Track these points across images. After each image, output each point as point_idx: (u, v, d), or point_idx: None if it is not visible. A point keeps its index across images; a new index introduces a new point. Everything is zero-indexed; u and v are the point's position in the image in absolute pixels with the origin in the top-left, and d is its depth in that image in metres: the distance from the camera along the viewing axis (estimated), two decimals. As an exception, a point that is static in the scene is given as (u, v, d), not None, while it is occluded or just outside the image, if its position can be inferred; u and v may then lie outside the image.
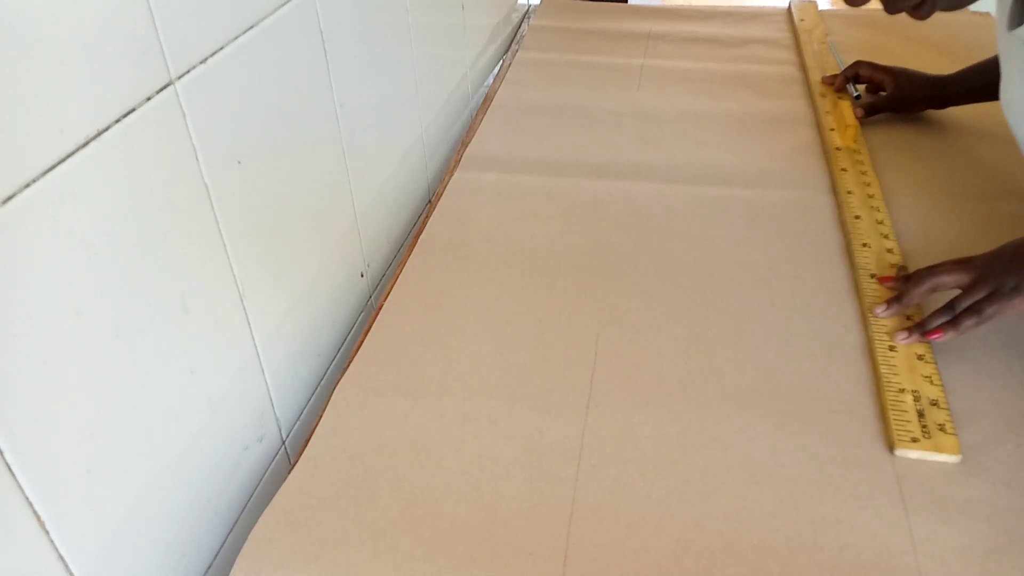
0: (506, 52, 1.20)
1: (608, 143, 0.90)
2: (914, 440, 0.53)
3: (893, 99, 0.92)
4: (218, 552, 0.53)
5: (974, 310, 0.59)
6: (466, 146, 0.90)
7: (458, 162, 0.87)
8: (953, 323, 0.59)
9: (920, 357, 0.60)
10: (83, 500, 0.40)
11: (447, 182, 0.84)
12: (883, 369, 0.59)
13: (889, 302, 0.63)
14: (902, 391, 0.57)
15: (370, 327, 0.65)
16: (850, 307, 0.66)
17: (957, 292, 0.61)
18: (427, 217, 0.79)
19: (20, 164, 0.34)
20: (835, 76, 0.99)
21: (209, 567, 0.52)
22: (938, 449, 0.53)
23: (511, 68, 1.09)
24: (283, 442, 0.60)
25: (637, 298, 0.67)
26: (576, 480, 0.52)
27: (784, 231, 0.75)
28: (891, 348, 0.60)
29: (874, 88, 0.97)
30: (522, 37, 1.19)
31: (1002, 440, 0.54)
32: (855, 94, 0.96)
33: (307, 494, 0.51)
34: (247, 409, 0.55)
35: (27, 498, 0.36)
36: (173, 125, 0.44)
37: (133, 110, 0.40)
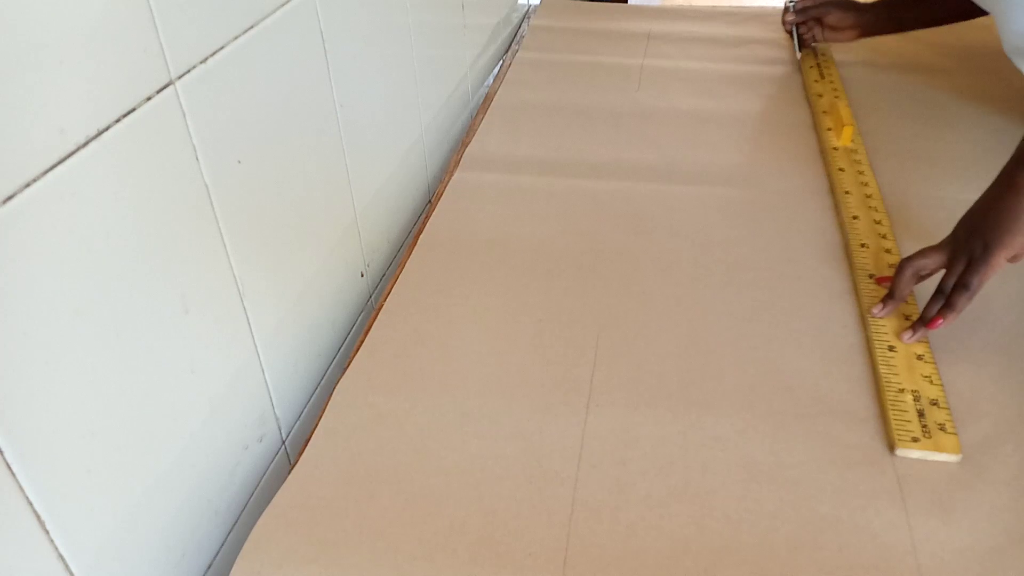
0: (506, 52, 1.20)
1: (608, 143, 0.90)
2: (914, 440, 0.53)
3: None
4: (218, 552, 0.53)
5: (962, 285, 0.59)
6: (466, 146, 0.90)
7: (458, 162, 0.87)
8: (949, 305, 0.60)
9: (920, 357, 0.60)
10: (83, 500, 0.40)
11: (447, 182, 0.84)
12: (883, 369, 0.59)
13: (884, 300, 0.63)
14: (902, 391, 0.57)
15: (370, 327, 0.65)
16: (849, 307, 0.66)
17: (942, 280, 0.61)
18: (427, 217, 0.79)
19: (20, 164, 0.34)
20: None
21: (209, 567, 0.52)
22: (938, 449, 0.53)
23: (511, 68, 1.09)
24: (283, 442, 0.60)
25: (637, 298, 0.67)
26: (576, 480, 0.52)
27: (783, 231, 0.75)
28: (890, 348, 0.60)
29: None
30: (522, 37, 1.19)
31: (1002, 440, 0.54)
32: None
33: (307, 494, 0.51)
34: (247, 409, 0.55)
35: (27, 498, 0.36)
36: (173, 125, 0.44)
37: (133, 110, 0.40)
